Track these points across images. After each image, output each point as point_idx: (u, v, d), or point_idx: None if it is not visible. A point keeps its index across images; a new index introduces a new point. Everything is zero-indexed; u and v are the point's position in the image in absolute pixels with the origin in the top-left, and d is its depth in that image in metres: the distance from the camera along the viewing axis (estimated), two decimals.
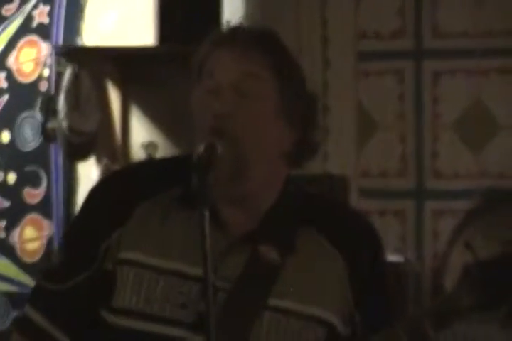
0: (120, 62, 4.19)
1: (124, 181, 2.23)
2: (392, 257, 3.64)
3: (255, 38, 2.06)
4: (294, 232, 2.07)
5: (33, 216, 4.16)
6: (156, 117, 4.17)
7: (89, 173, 4.08)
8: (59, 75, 4.07)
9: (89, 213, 2.17)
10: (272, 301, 2.02)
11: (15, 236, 4.17)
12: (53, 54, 4.17)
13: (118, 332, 2.04)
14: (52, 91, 4.11)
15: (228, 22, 2.28)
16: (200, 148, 1.87)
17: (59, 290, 2.09)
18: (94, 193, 2.23)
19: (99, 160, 4.06)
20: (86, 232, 2.13)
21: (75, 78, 4.05)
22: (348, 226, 2.13)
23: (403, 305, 3.72)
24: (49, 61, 4.19)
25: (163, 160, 2.81)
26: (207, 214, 1.82)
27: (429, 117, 4.10)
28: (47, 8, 4.27)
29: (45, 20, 4.24)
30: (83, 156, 4.06)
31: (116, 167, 4.00)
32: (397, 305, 2.32)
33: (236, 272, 1.97)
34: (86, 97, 4.10)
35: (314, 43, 4.19)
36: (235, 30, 2.12)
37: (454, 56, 3.99)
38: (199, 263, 1.92)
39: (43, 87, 4.12)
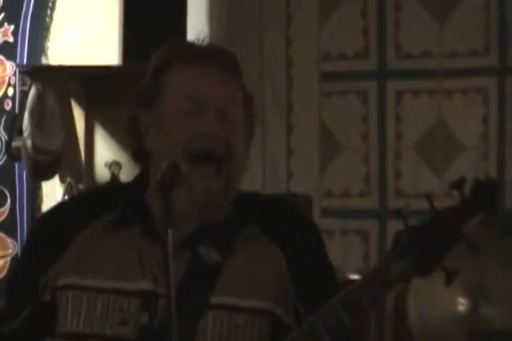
0: (85, 81, 4.16)
1: (58, 218, 2.23)
2: (354, 276, 3.58)
3: (230, 60, 2.05)
4: (233, 232, 2.07)
5: None
6: (120, 136, 3.98)
7: (53, 192, 4.04)
8: (23, 94, 4.05)
9: (27, 255, 2.20)
10: (215, 299, 2.03)
11: None
12: (18, 73, 4.15)
13: None
14: (17, 110, 4.08)
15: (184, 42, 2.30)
16: (163, 167, 1.82)
17: (8, 330, 2.09)
18: (31, 234, 2.30)
19: (63, 179, 4.03)
20: (25, 273, 2.14)
21: (40, 97, 4.04)
22: (287, 223, 2.13)
23: (367, 333, 3.75)
24: (13, 80, 4.17)
25: (94, 191, 2.84)
26: (170, 231, 1.77)
27: (392, 137, 4.04)
28: (11, 27, 4.25)
29: (10, 39, 4.22)
30: (47, 175, 4.01)
31: (81, 186, 3.99)
32: (358, 328, 2.14)
33: (178, 277, 1.93)
34: (50, 116, 4.05)
35: (278, 64, 4.13)
36: (205, 50, 2.08)
37: (417, 76, 3.94)
38: (136, 278, 2.00)
39: (8, 105, 4.11)
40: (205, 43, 2.16)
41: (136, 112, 2.08)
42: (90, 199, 2.30)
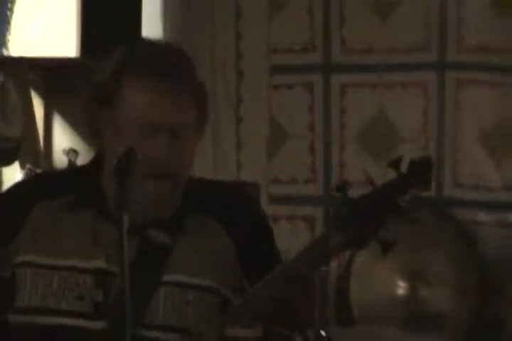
0: (44, 72, 4.22)
1: (14, 197, 2.29)
2: None
3: (184, 67, 2.09)
4: (182, 216, 2.16)
5: None
6: (77, 125, 4.15)
7: (13, 177, 4.09)
8: None
9: None
10: (167, 277, 2.10)
11: None
12: None
13: (21, 330, 2.09)
14: None
15: (144, 41, 2.33)
16: (119, 153, 1.91)
17: None
18: None
19: (22, 165, 4.11)
20: None
21: (1, 87, 4.07)
22: (233, 207, 2.21)
23: (310, 308, 3.79)
24: None
25: (51, 173, 3.07)
26: (125, 217, 1.86)
27: (337, 128, 4.12)
28: None
29: None
30: (7, 161, 4.07)
31: (39, 171, 4.05)
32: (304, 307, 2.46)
33: (130, 258, 1.98)
34: (12, 105, 4.12)
35: (228, 57, 4.20)
36: (161, 58, 2.12)
37: (360, 70, 4.05)
38: (91, 257, 2.07)
39: None
40: (161, 44, 2.22)
41: (94, 107, 2.13)
42: (46, 180, 2.38)
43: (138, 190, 2.03)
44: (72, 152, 3.94)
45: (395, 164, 2.02)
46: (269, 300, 2.03)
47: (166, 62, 2.13)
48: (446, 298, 3.98)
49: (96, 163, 2.24)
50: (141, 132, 2.06)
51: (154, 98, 2.08)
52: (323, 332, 2.76)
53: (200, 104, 2.13)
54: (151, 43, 2.25)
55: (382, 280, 4.02)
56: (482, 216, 4.07)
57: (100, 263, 2.10)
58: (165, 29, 4.11)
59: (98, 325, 2.08)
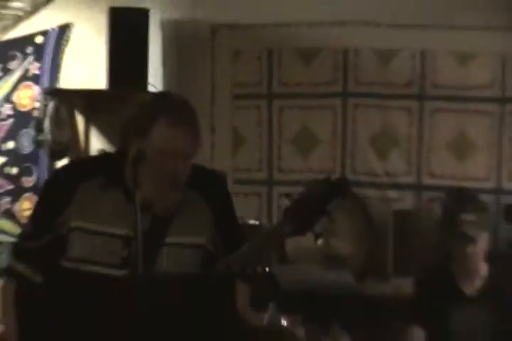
0: (84, 99, 5.06)
1: (68, 172, 2.65)
2: (252, 221, 4.51)
3: (193, 114, 2.49)
4: (180, 195, 2.49)
5: (28, 195, 4.97)
6: (106, 134, 5.09)
7: None
8: (45, 106, 4.92)
9: (46, 197, 2.56)
10: (168, 239, 2.48)
11: (16, 207, 4.94)
12: (42, 93, 5.02)
13: (72, 273, 2.42)
14: (41, 117, 4.93)
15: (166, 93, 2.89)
16: (133, 153, 2.39)
17: (34, 247, 2.47)
18: (47, 184, 2.65)
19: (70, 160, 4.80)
20: (46, 210, 2.52)
21: (56, 109, 4.89)
22: (211, 187, 2.59)
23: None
24: (39, 97, 5.03)
25: (92, 158, 3.41)
26: (138, 194, 2.34)
27: (276, 136, 5.20)
28: (38, 64, 5.13)
29: (37, 71, 5.10)
30: (60, 157, 4.89)
31: None
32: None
33: (146, 226, 2.40)
34: (63, 121, 4.91)
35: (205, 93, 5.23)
36: (179, 108, 2.49)
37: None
38: (121, 226, 2.39)
39: (35, 113, 4.96)
40: (177, 96, 2.62)
41: (127, 133, 2.50)
42: (84, 165, 2.68)
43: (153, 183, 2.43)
44: (102, 151, 4.58)
45: (324, 183, 2.43)
46: (249, 256, 2.41)
47: (184, 109, 2.52)
48: (349, 245, 4.94)
49: (120, 154, 2.54)
50: (166, 157, 2.42)
51: (177, 133, 2.45)
52: (267, 269, 3.68)
53: (198, 137, 2.49)
54: (171, 95, 2.67)
55: (309, 234, 4.39)
56: (370, 192, 5.04)
57: (126, 231, 2.41)
58: (164, 75, 5.13)
59: (122, 273, 2.41)
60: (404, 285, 4.66)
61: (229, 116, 5.38)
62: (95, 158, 3.17)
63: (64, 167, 2.80)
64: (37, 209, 2.54)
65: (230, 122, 5.38)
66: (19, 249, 2.52)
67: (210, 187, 2.55)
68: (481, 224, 4.10)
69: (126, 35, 4.81)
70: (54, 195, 2.47)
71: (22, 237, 2.56)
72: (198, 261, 2.51)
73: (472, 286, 4.12)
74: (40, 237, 2.45)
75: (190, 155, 2.47)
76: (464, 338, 4.05)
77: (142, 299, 2.31)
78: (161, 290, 2.37)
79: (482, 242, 4.05)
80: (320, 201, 2.38)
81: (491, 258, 4.19)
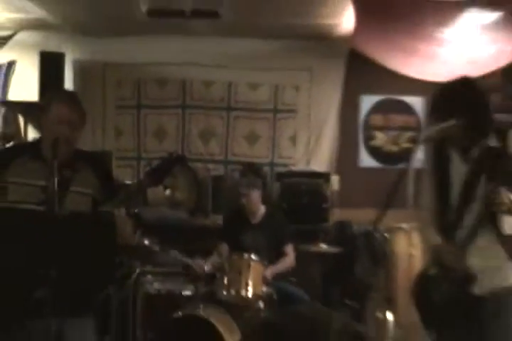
0: (24, 107, 5.73)
1: (8, 150, 3.05)
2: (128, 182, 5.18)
3: (77, 99, 2.79)
4: (74, 161, 2.75)
5: None
6: (37, 128, 5.43)
7: None
8: None
9: None
10: (71, 188, 2.73)
11: None
12: None
13: (13, 211, 2.58)
14: None
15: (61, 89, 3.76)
16: (52, 139, 2.63)
17: None
18: None
19: None
20: None
21: (6, 113, 5.70)
22: (96, 160, 2.89)
23: None
24: None
25: (24, 142, 3.97)
26: (55, 164, 2.52)
27: (142, 133, 6.16)
28: None
29: None
30: (9, 142, 5.54)
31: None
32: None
33: (56, 181, 2.55)
34: (10, 120, 5.73)
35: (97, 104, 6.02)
36: (68, 95, 2.86)
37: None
38: (40, 180, 2.64)
39: None
40: (68, 90, 3.32)
41: (40, 115, 2.78)
42: (17, 148, 3.05)
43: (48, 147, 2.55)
44: (34, 138, 4.39)
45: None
46: (124, 200, 2.71)
47: (71, 95, 2.80)
48: (185, 194, 5.72)
49: (38, 141, 2.79)
50: (55, 124, 2.64)
51: (65, 109, 2.69)
52: (136, 210, 4.50)
53: (82, 115, 2.76)
54: (64, 89, 3.36)
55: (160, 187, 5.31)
56: (198, 164, 5.95)
57: (43, 183, 2.64)
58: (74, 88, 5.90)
59: (41, 208, 2.59)
60: (219, 219, 5.62)
61: (113, 119, 6.49)
62: (26, 142, 3.75)
63: (6, 148, 3.44)
64: None
65: (114, 122, 6.49)
66: None
67: (96, 160, 2.92)
68: (254, 184, 5.14)
69: (50, 69, 5.66)
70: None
71: None
72: (89, 204, 2.75)
73: (255, 218, 5.19)
74: None
75: (74, 123, 2.69)
76: (252, 247, 4.88)
77: (54, 225, 2.41)
78: (65, 220, 2.45)
79: (256, 194, 5.08)
80: (166, 167, 2.68)
81: (265, 202, 5.23)
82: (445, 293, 3.04)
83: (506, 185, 2.83)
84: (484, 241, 3.06)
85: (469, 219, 3.04)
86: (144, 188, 2.75)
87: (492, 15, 4.42)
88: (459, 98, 2.99)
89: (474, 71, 3.58)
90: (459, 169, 3.17)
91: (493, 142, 3.08)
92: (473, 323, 3.06)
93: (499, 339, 3.03)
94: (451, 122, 3.04)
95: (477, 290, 3.04)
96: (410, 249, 4.63)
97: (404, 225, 4.63)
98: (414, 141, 4.61)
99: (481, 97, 2.98)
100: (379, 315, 4.61)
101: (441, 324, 3.02)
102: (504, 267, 3.12)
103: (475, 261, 3.07)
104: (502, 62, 4.99)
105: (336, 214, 6.02)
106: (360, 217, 5.41)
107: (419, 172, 3.76)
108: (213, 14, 5.39)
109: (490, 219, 3.01)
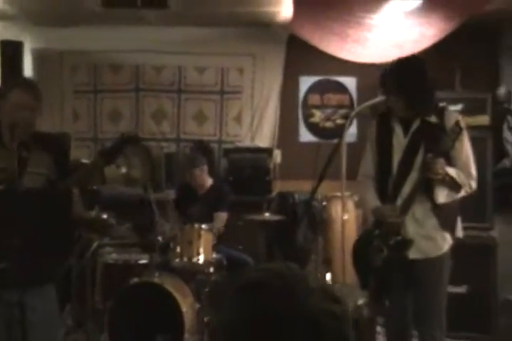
0: None
1: None
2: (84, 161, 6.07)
3: (36, 87, 2.82)
4: (29, 145, 2.74)
5: None
6: None
7: None
8: None
9: None
10: (29, 169, 2.77)
11: None
12: None
13: None
14: None
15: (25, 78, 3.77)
16: (10, 123, 2.67)
17: None
18: None
19: None
20: None
21: None
22: (53, 144, 2.89)
23: None
24: None
25: None
26: (14, 147, 2.62)
27: (98, 118, 6.71)
28: None
29: None
30: None
31: None
32: None
33: (15, 161, 2.62)
34: None
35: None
36: (28, 83, 2.85)
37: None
38: (2, 161, 2.65)
39: None
40: (27, 78, 3.55)
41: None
42: None
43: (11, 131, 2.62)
44: None
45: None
46: (80, 179, 2.72)
47: (30, 83, 2.80)
48: (139, 172, 4.95)
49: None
50: (14, 109, 2.65)
51: (24, 95, 2.71)
52: (94, 187, 5.09)
53: (39, 99, 2.76)
54: (25, 77, 3.60)
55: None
56: (152, 143, 6.05)
57: (4, 165, 2.68)
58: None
59: (3, 186, 2.62)
60: (172, 193, 5.72)
61: (71, 103, 6.54)
62: None
63: None
64: None
65: (72, 106, 6.55)
66: None
67: (51, 141, 2.94)
68: (195, 162, 5.24)
69: (10, 57, 5.62)
70: None
71: None
72: (45, 182, 2.78)
73: (202, 190, 5.42)
74: None
75: (32, 108, 2.72)
76: (199, 217, 5.03)
77: (15, 201, 2.49)
78: (24, 196, 2.52)
79: (198, 171, 5.22)
80: (118, 147, 2.72)
81: (213, 175, 5.45)
82: (385, 258, 3.13)
83: (441, 156, 2.94)
84: (420, 210, 3.17)
85: (407, 188, 3.12)
86: (98, 166, 2.80)
87: (415, 2, 4.54)
88: (401, 75, 3.08)
89: (400, 53, 3.67)
90: (400, 140, 3.26)
91: (432, 118, 3.17)
92: (409, 284, 3.19)
93: (430, 297, 3.18)
94: (379, 98, 3.21)
95: (412, 255, 3.15)
96: (344, 214, 4.74)
97: (339, 193, 4.73)
98: (347, 117, 4.74)
99: (421, 76, 3.08)
100: (319, 276, 4.73)
101: (380, 285, 3.12)
102: (437, 237, 3.23)
103: (411, 228, 3.18)
104: (425, 45, 5.12)
105: (279, 186, 6.20)
106: (300, 188, 5.57)
107: (351, 146, 3.93)
108: (162, 4, 5.45)
109: (426, 188, 3.10)
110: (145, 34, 6.22)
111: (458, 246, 3.40)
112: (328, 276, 4.83)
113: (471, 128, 4.82)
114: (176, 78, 6.50)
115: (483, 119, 5.07)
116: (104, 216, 3.92)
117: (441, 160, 2.97)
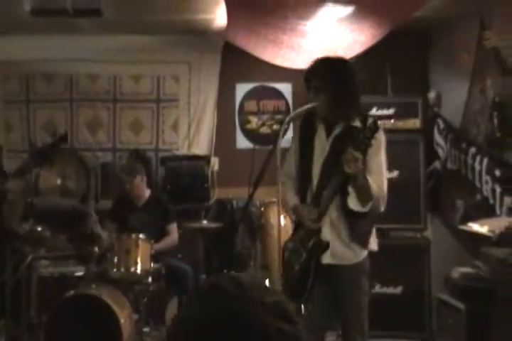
0: None
1: None
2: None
3: None
4: None
5: None
6: None
7: None
8: None
9: None
10: None
11: None
12: None
13: None
14: None
15: None
16: None
17: None
18: None
19: None
20: None
21: None
22: None
23: None
24: None
25: None
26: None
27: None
28: None
29: None
30: None
31: None
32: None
33: None
34: None
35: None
36: None
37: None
38: None
39: None
40: None
41: None
42: None
43: None
44: None
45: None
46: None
47: None
48: (74, 183, 5.92)
49: None
50: None
51: None
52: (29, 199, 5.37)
53: None
54: None
55: (55, 176, 6.64)
56: (87, 153, 6.16)
57: None
58: None
59: None
60: (108, 204, 5.62)
61: (2, 113, 6.46)
62: None
63: None
64: None
65: (3, 117, 6.48)
66: None
67: None
68: (133, 171, 5.24)
69: None
70: None
71: None
72: None
73: (140, 201, 5.35)
74: None
75: None
76: (138, 228, 5.03)
77: None
78: None
79: (137, 180, 5.19)
80: (49, 147, 3.31)
81: (150, 185, 5.45)
82: (303, 263, 3.12)
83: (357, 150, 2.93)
84: (335, 215, 3.16)
85: (328, 192, 3.10)
86: (30, 167, 2.87)
87: (347, 9, 4.62)
88: (324, 77, 3.10)
89: None
90: (322, 141, 3.26)
91: (356, 122, 3.15)
92: (327, 289, 3.18)
93: (350, 305, 3.16)
94: (307, 106, 3.20)
95: (327, 260, 3.15)
96: (282, 220, 4.65)
97: (275, 199, 4.60)
98: (282, 123, 4.76)
99: (344, 78, 3.08)
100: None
101: (299, 291, 3.09)
102: (349, 246, 3.20)
103: (328, 233, 3.17)
104: (357, 51, 5.18)
105: (217, 193, 6.23)
106: (238, 194, 5.61)
107: (287, 151, 3.98)
108: (95, 12, 5.33)
109: (341, 193, 3.10)
110: (79, 42, 6.18)
111: (393, 247, 3.39)
112: (267, 282, 4.83)
113: (404, 131, 5.15)
114: (111, 87, 6.49)
115: (415, 123, 5.15)
116: (39, 228, 4.10)
117: (360, 156, 2.90)
